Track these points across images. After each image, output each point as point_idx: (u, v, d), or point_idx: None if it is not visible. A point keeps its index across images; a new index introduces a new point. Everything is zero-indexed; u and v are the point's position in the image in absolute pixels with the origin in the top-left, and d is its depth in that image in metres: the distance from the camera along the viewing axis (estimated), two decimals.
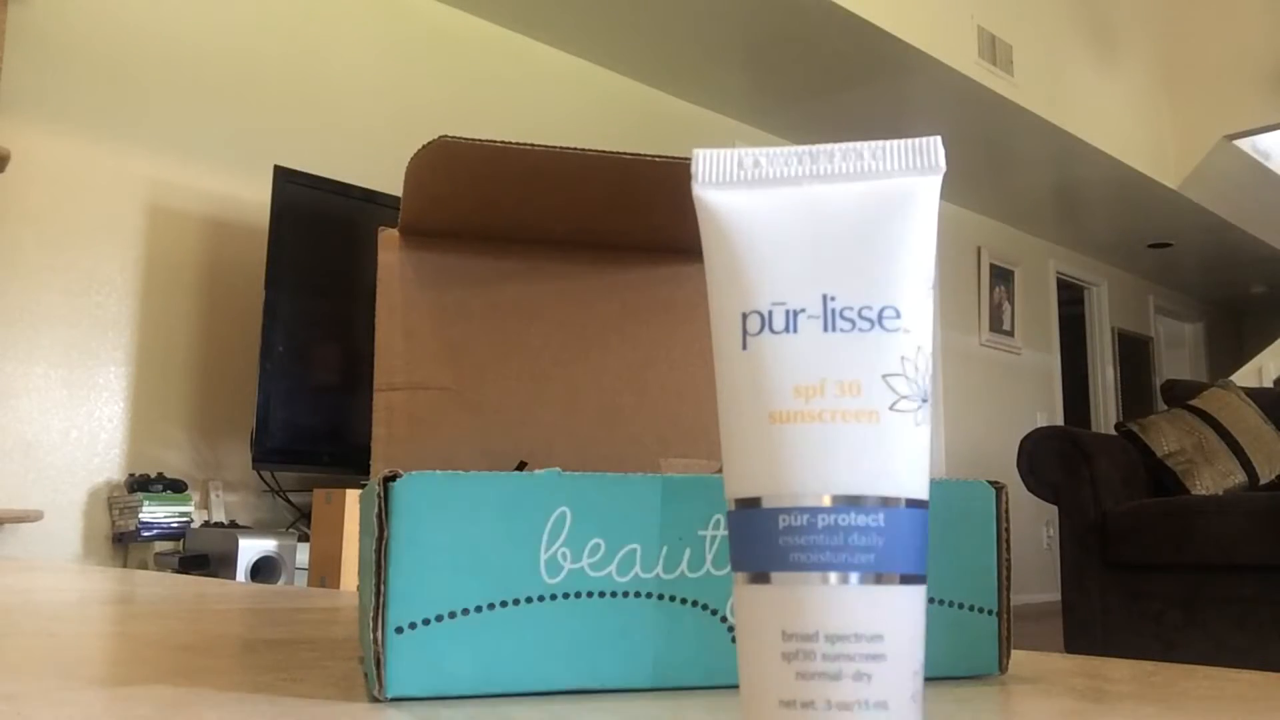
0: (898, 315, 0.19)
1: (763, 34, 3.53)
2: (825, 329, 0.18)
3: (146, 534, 2.43)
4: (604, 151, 0.46)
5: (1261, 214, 5.78)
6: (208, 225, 2.74)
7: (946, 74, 3.89)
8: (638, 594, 0.36)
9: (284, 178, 2.62)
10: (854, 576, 0.17)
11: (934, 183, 0.19)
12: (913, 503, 0.18)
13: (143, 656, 0.43)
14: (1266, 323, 7.13)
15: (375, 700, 0.34)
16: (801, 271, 0.19)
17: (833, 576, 0.17)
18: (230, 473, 2.71)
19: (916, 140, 0.19)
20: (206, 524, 2.59)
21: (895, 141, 0.19)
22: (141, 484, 2.48)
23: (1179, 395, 3.08)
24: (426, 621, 0.34)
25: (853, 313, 0.19)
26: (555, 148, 0.46)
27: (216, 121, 2.78)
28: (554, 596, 0.35)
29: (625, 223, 0.55)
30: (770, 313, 0.19)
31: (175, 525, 2.48)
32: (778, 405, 0.18)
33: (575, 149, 0.46)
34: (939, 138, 0.19)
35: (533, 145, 0.46)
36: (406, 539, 0.34)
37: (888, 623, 0.17)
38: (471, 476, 0.35)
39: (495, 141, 0.45)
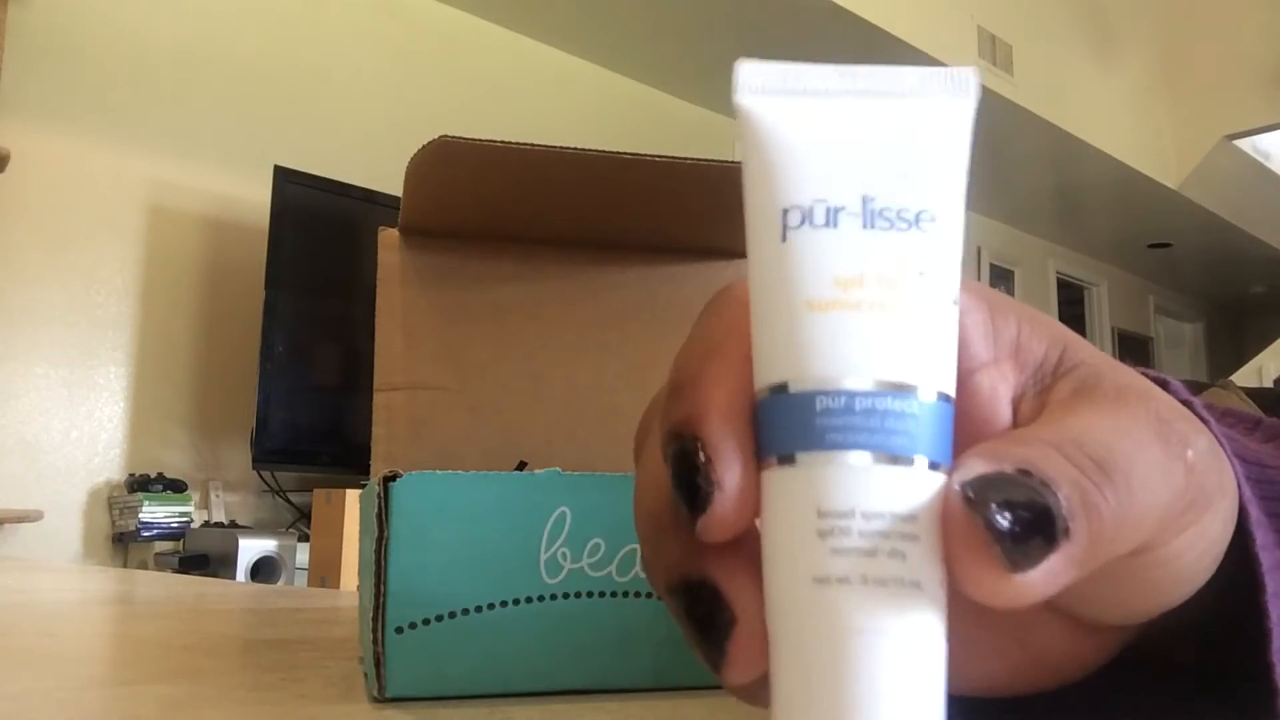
0: (934, 219, 0.19)
1: (763, 34, 3.53)
2: (865, 225, 0.19)
3: (146, 534, 2.43)
4: (604, 151, 0.46)
5: (1261, 214, 5.78)
6: (208, 225, 2.74)
7: None
8: (638, 594, 0.36)
9: (284, 178, 2.61)
10: (890, 458, 0.18)
11: (969, 106, 0.20)
12: (943, 395, 0.19)
13: (143, 656, 0.43)
14: (1266, 323, 7.13)
15: (375, 700, 0.34)
16: (841, 172, 0.19)
17: (869, 457, 0.18)
18: (230, 473, 2.71)
19: (954, 69, 0.20)
20: (206, 524, 2.59)
21: (933, 68, 0.20)
22: (141, 484, 2.48)
23: None
24: (426, 621, 0.34)
25: (891, 213, 0.19)
26: (555, 148, 0.46)
27: (216, 121, 2.78)
28: (554, 596, 0.35)
29: (625, 223, 0.55)
30: (811, 208, 0.19)
31: (175, 525, 2.48)
32: (817, 295, 0.19)
33: (575, 149, 0.46)
34: (972, 69, 0.20)
35: (533, 145, 0.46)
36: (406, 539, 0.34)
37: (920, 505, 0.18)
38: (471, 476, 0.35)
39: (495, 141, 0.45)
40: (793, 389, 0.18)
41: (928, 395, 0.18)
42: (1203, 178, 5.25)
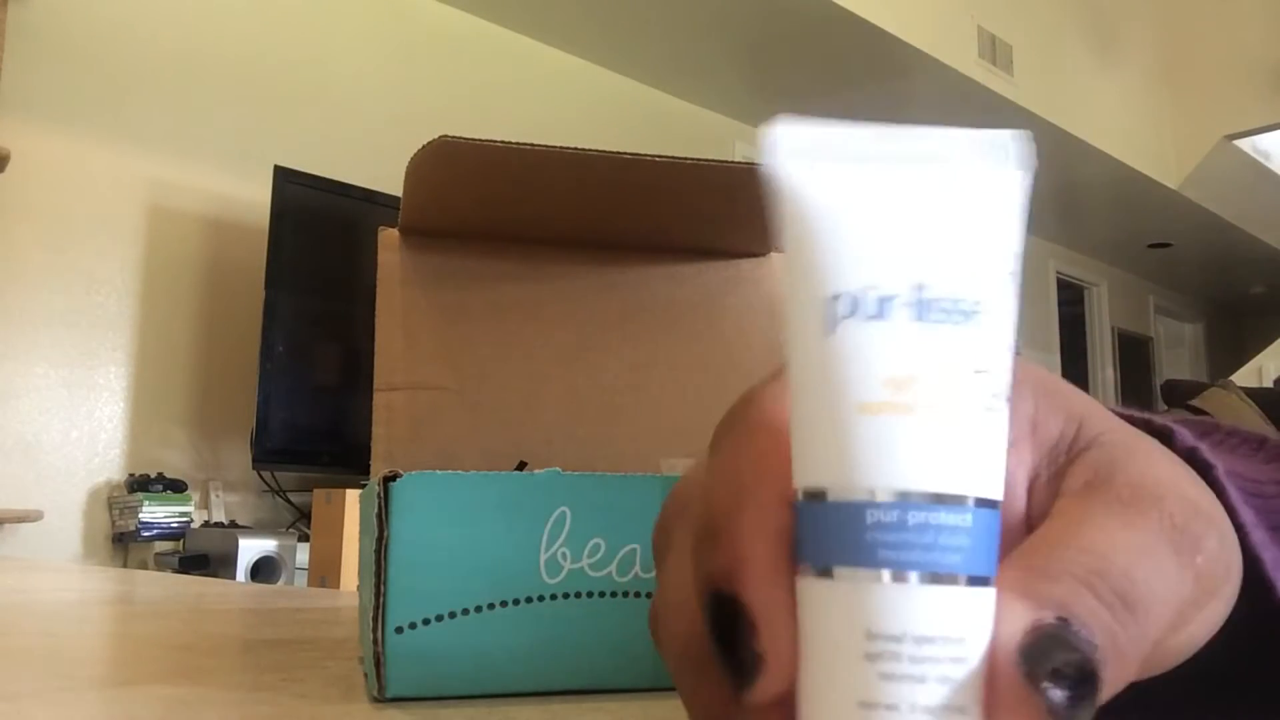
0: (989, 311, 0.18)
1: (763, 34, 3.53)
2: (917, 318, 0.18)
3: (146, 534, 2.43)
4: (604, 151, 0.46)
5: (1261, 214, 5.78)
6: (208, 225, 2.74)
7: (946, 74, 3.89)
8: (638, 594, 0.36)
9: (284, 178, 2.61)
10: (942, 577, 0.17)
11: (1025, 178, 0.19)
12: (993, 503, 0.18)
13: (143, 656, 0.43)
14: (1266, 323, 7.13)
15: (375, 700, 0.34)
16: (893, 255, 0.18)
17: (922, 576, 0.17)
18: (230, 473, 2.71)
19: (998, 132, 0.19)
20: (206, 524, 2.59)
21: (982, 132, 0.19)
22: (141, 484, 2.48)
23: (1179, 395, 3.08)
24: (426, 621, 0.34)
25: (946, 303, 0.18)
26: (555, 148, 0.46)
27: (216, 121, 2.78)
28: (554, 596, 0.35)
29: (625, 223, 0.55)
30: (862, 296, 0.18)
31: (175, 525, 2.48)
32: (868, 396, 0.17)
33: (575, 149, 0.46)
34: (1027, 133, 0.19)
35: (533, 145, 0.46)
36: (406, 539, 0.34)
37: (970, 625, 0.17)
38: (471, 476, 0.35)
39: (495, 141, 0.45)
40: (834, 497, 0.17)
41: (980, 505, 0.17)
42: (1203, 178, 5.25)
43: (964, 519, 0.17)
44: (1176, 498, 0.20)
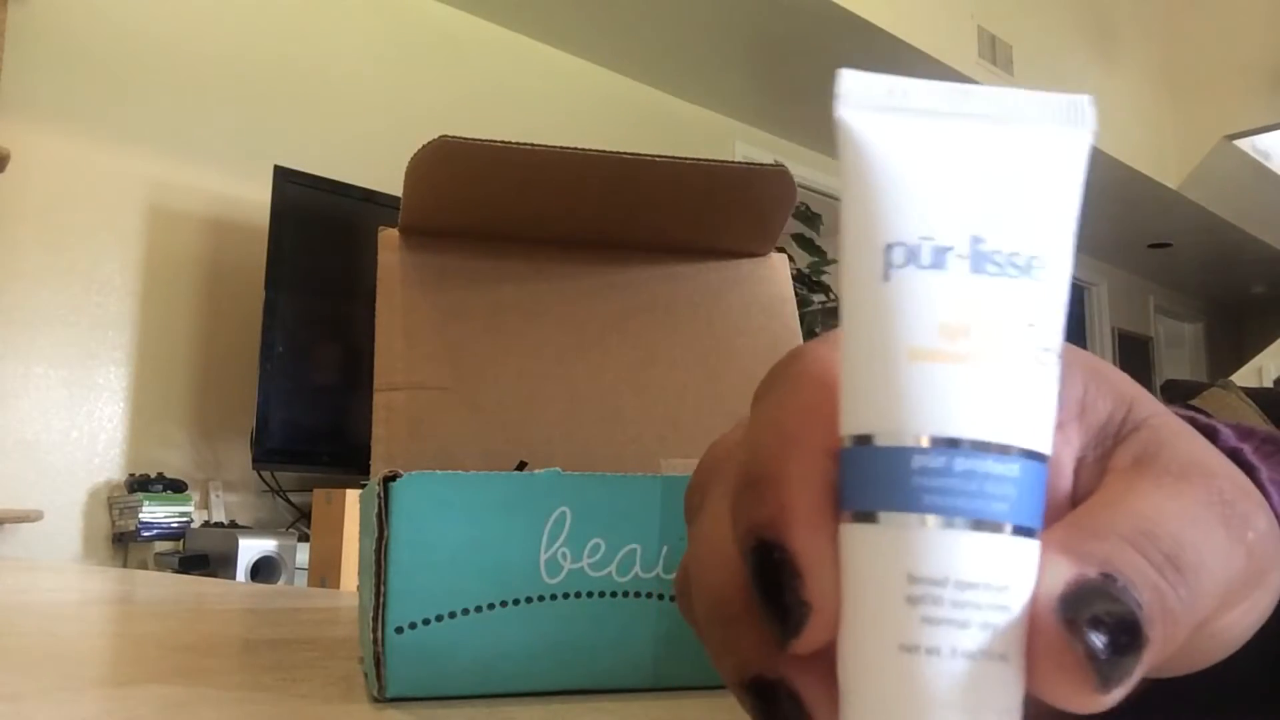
0: (1045, 266, 0.18)
1: (763, 34, 3.53)
2: (974, 270, 0.18)
3: (146, 534, 2.43)
4: (604, 151, 0.46)
5: (1261, 214, 5.78)
6: (208, 225, 2.74)
7: (946, 74, 3.89)
8: (638, 594, 0.36)
9: (284, 178, 2.61)
10: (986, 524, 0.17)
11: (1086, 137, 0.19)
12: (1041, 456, 0.18)
13: (143, 656, 0.43)
14: (1266, 323, 7.13)
15: (375, 700, 0.34)
16: (951, 208, 0.18)
17: (967, 522, 0.17)
18: (230, 473, 2.71)
19: (1069, 95, 0.19)
20: (206, 524, 2.59)
21: (1047, 93, 0.19)
22: (141, 484, 2.48)
23: (1179, 395, 3.08)
24: (426, 621, 0.34)
25: (1002, 257, 0.18)
26: (555, 147, 0.46)
27: (216, 121, 2.78)
28: (554, 596, 0.35)
29: (625, 223, 0.55)
30: (918, 246, 0.18)
31: (175, 525, 2.48)
32: (921, 342, 0.17)
33: (575, 149, 0.46)
34: (1089, 97, 0.19)
35: (533, 145, 0.46)
36: (406, 539, 0.34)
37: (1014, 574, 0.17)
38: (471, 476, 0.35)
39: (495, 141, 0.45)
40: (881, 441, 0.17)
41: (1027, 457, 0.17)
42: (1203, 178, 5.25)
43: (1011, 468, 0.17)
44: (1227, 476, 0.20)
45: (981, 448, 0.17)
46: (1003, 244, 0.18)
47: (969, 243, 0.18)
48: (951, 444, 0.17)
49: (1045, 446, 0.18)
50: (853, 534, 0.17)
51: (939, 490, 0.17)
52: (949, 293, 0.18)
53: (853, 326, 0.18)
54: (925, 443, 0.17)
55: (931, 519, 0.17)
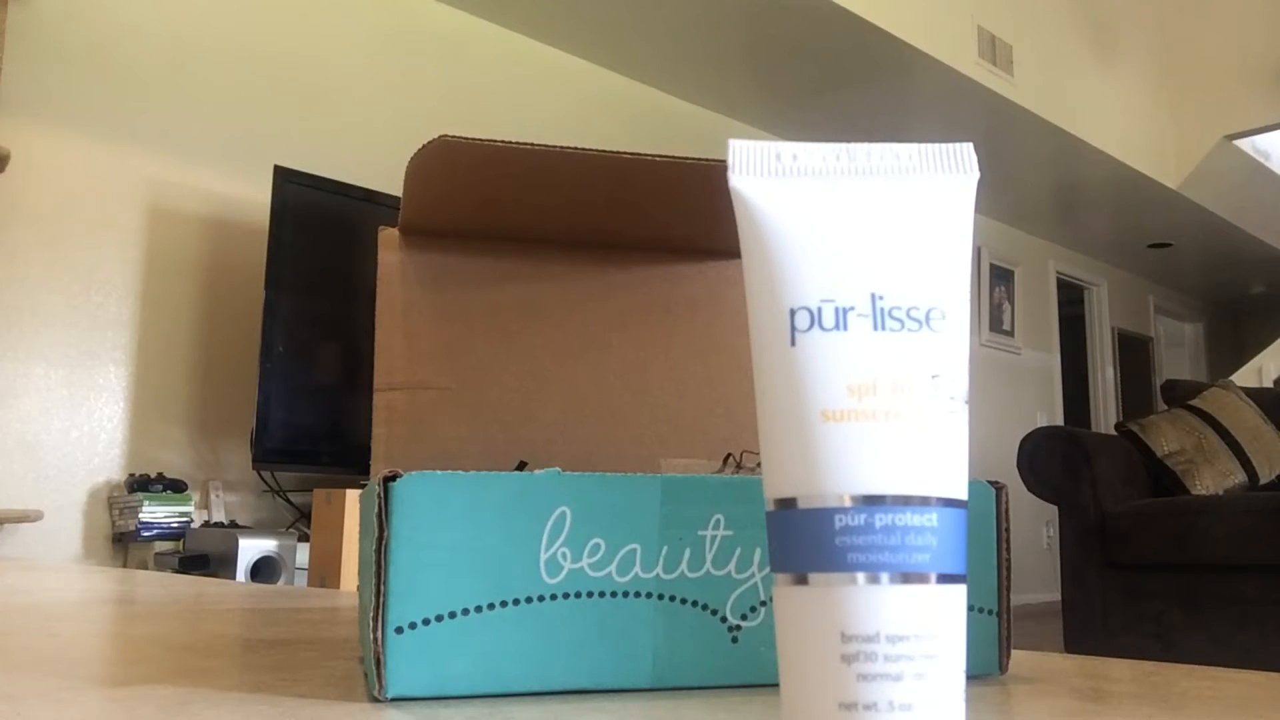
0: (944, 316, 0.19)
1: (763, 34, 3.53)
2: (875, 328, 0.18)
3: (146, 534, 2.43)
4: (604, 151, 0.46)
5: (1261, 214, 5.78)
6: (208, 225, 2.74)
7: (946, 74, 3.89)
8: (638, 594, 0.36)
9: (284, 178, 2.61)
10: (912, 576, 0.17)
11: (970, 184, 0.19)
12: (958, 503, 0.18)
13: (143, 656, 0.43)
14: (1266, 323, 7.13)
15: (375, 700, 0.34)
16: (849, 268, 0.19)
17: (892, 577, 0.17)
18: (230, 473, 2.71)
19: (950, 145, 0.19)
20: (206, 524, 2.59)
21: (929, 145, 0.19)
22: (141, 484, 2.48)
23: (1179, 395, 3.08)
24: (426, 621, 0.34)
25: (901, 312, 0.18)
26: (555, 147, 0.46)
27: (216, 121, 2.78)
28: (554, 596, 0.35)
29: (625, 223, 0.55)
30: (820, 309, 0.18)
31: (175, 525, 2.48)
32: (831, 404, 0.18)
33: (575, 149, 0.46)
34: (970, 144, 0.19)
35: (533, 145, 0.46)
36: (406, 539, 0.34)
37: (942, 622, 0.17)
38: (471, 476, 0.35)
39: (495, 141, 0.45)
40: (804, 504, 0.18)
41: (946, 505, 0.18)
42: (1203, 178, 5.25)
43: (930, 519, 0.17)
44: None
45: (902, 501, 0.17)
46: (901, 299, 0.18)
47: (869, 301, 0.18)
48: (871, 501, 0.17)
49: (961, 492, 0.18)
50: (786, 596, 0.18)
51: (863, 548, 0.17)
52: (854, 353, 0.18)
53: (765, 391, 0.19)
54: (847, 501, 0.17)
55: (860, 576, 0.17)
